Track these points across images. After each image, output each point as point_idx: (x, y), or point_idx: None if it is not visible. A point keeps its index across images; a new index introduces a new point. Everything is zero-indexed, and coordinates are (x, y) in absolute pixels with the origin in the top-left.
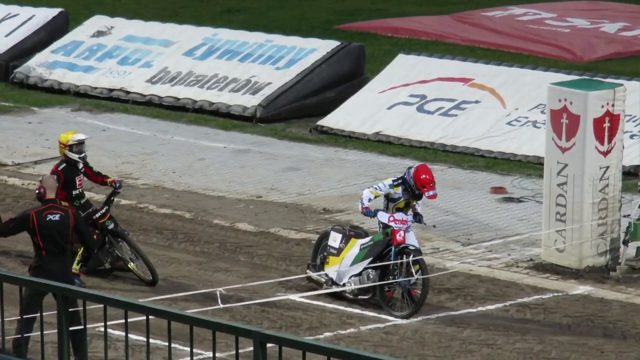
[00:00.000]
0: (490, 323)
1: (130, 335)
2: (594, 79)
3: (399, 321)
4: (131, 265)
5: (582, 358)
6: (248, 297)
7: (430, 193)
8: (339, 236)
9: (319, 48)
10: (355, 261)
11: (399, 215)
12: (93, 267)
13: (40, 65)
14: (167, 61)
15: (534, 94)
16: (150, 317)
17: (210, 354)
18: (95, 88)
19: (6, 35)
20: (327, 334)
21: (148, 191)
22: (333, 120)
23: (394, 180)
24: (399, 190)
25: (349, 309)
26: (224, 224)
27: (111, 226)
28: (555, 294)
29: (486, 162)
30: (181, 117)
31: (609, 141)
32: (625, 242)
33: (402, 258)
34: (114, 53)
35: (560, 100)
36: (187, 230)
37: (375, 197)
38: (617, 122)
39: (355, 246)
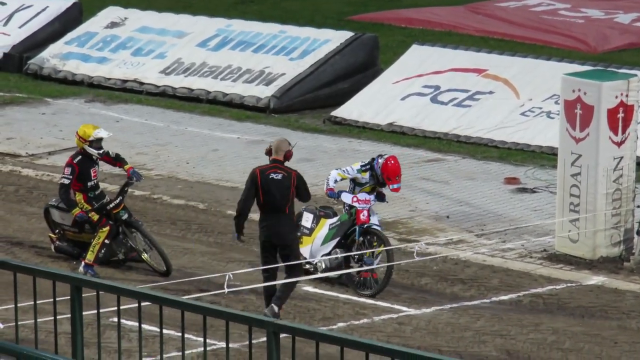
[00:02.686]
0: (504, 313)
1: (144, 326)
2: (608, 69)
3: (413, 312)
4: (145, 255)
5: (595, 348)
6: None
7: (395, 186)
8: (310, 216)
9: (332, 39)
10: (325, 241)
11: (362, 196)
12: (107, 258)
13: (54, 57)
14: (181, 52)
15: (547, 84)
16: (163, 307)
17: (224, 345)
18: (109, 79)
19: (20, 27)
20: (341, 324)
21: (162, 182)
22: (347, 111)
23: (362, 165)
24: (366, 175)
25: (362, 300)
26: None
27: (125, 217)
28: (569, 285)
29: (500, 152)
30: (195, 108)
31: (623, 132)
32: (639, 233)
33: (366, 237)
34: (128, 44)
35: (574, 91)
36: (200, 221)
37: (342, 179)
38: (631, 112)
39: (324, 226)
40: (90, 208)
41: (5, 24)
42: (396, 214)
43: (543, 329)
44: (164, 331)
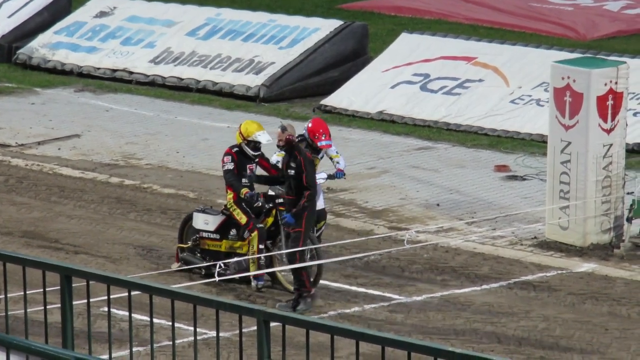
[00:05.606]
0: (494, 301)
1: (134, 315)
2: (597, 57)
3: (404, 299)
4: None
5: (586, 335)
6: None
7: (323, 143)
8: None
9: (322, 27)
10: None
11: None
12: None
13: (43, 46)
14: (170, 41)
15: (537, 72)
16: (153, 296)
17: (214, 333)
18: (99, 69)
19: (9, 17)
20: (332, 312)
21: (152, 171)
22: (336, 99)
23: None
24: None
25: (354, 288)
26: None
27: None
28: (559, 272)
29: (490, 140)
30: (185, 97)
31: (612, 119)
32: (629, 220)
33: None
34: (117, 33)
35: (563, 79)
36: (191, 210)
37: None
38: (620, 99)
39: None
40: (262, 197)
41: None
42: (386, 202)
43: (533, 316)
44: (155, 320)
